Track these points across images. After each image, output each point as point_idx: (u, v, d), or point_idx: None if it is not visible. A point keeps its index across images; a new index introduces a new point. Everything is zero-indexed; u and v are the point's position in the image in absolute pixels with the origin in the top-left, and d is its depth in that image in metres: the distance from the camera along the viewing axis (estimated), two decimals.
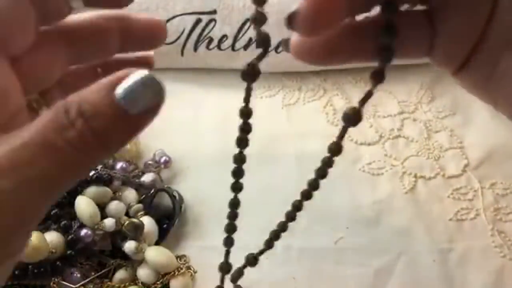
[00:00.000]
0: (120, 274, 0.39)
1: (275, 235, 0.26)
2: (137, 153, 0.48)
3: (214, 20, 0.53)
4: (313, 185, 0.22)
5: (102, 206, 0.40)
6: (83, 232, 0.38)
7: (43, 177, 0.15)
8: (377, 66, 0.18)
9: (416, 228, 0.44)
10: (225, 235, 0.26)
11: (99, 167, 0.42)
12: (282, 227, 0.26)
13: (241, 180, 0.23)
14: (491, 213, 0.45)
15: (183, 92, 0.53)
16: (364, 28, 0.19)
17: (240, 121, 0.21)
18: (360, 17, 0.19)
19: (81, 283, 0.38)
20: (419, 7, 0.21)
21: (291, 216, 0.25)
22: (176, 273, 0.39)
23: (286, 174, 0.47)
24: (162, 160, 0.46)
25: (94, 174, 0.41)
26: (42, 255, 0.36)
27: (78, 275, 0.38)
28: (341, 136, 0.20)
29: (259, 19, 0.18)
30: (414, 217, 0.45)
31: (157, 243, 0.41)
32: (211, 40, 0.54)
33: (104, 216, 0.40)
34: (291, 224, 0.44)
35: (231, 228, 0.25)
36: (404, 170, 0.48)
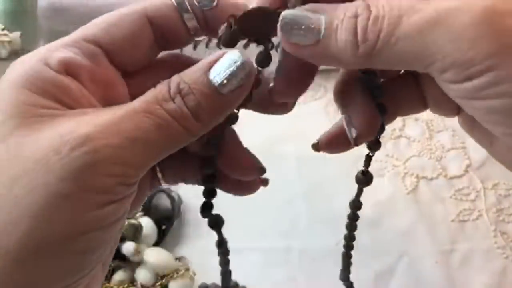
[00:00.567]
0: (119, 276, 0.38)
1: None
2: None
3: None
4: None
5: None
6: None
7: (145, 138, 0.18)
8: (373, 138, 0.23)
9: (418, 229, 0.43)
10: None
11: None
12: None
13: None
14: (493, 214, 0.45)
15: None
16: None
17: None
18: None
19: None
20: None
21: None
22: (175, 274, 0.39)
23: (286, 174, 0.46)
24: None
25: None
26: None
27: None
28: (359, 195, 0.26)
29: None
30: (416, 218, 0.44)
31: (156, 244, 0.41)
32: (210, 39, 0.53)
33: None
34: (291, 225, 0.44)
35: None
36: (406, 171, 0.48)
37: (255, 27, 0.20)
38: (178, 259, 0.40)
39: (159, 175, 0.24)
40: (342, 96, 0.23)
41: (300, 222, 0.43)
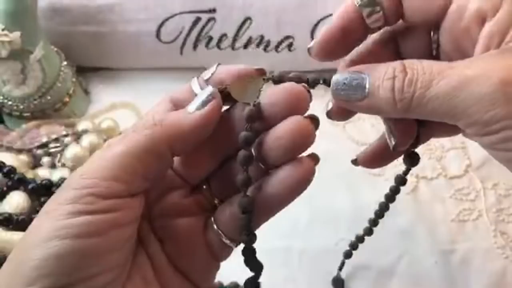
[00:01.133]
0: None
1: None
2: None
3: (214, 19, 0.53)
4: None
5: None
6: None
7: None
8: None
9: (418, 229, 0.43)
10: None
11: None
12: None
13: None
14: (493, 214, 0.45)
15: None
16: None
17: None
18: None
19: None
20: None
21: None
22: None
23: None
24: None
25: None
26: None
27: None
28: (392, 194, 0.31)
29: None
30: (416, 218, 0.44)
31: None
32: (210, 39, 0.53)
33: None
34: (291, 225, 0.44)
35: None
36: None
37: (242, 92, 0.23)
38: None
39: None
40: None
41: (300, 222, 0.43)
